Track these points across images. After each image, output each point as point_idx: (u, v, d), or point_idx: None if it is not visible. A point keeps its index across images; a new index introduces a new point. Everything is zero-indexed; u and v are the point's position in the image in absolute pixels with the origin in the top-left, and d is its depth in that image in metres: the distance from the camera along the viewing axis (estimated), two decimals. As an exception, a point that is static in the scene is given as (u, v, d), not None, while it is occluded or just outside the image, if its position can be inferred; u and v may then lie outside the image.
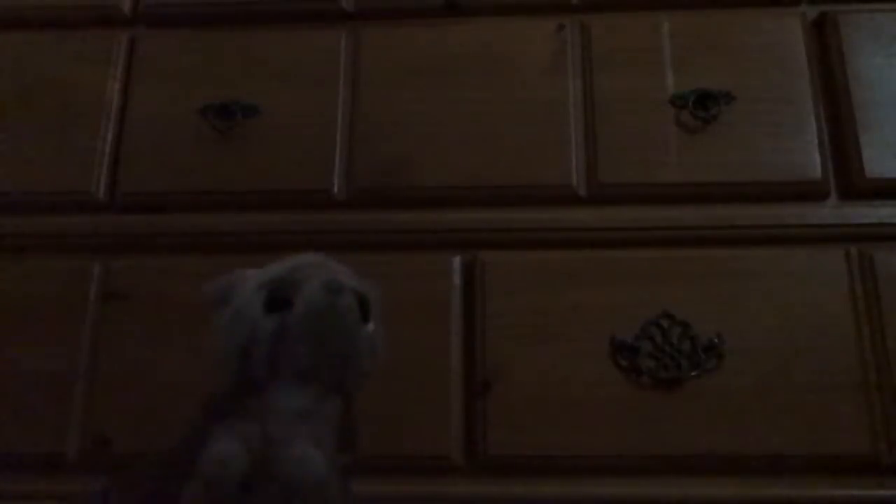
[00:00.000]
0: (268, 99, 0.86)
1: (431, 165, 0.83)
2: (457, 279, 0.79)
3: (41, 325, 0.80)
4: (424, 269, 0.79)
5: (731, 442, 0.72)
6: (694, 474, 0.73)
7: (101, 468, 0.75)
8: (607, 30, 0.86)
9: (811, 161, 0.80)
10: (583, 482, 0.73)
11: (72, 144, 0.86)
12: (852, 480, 0.72)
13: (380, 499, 0.73)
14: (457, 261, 0.80)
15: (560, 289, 0.78)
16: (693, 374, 0.74)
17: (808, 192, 0.80)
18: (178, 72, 0.88)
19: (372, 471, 0.73)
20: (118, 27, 0.91)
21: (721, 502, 0.72)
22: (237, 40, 0.89)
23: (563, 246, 0.80)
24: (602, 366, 0.75)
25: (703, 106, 0.82)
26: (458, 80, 0.85)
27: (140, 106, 0.87)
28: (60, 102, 0.88)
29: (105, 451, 0.76)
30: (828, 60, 0.84)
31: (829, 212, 0.80)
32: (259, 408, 0.51)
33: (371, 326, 0.55)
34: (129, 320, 0.80)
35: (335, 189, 0.83)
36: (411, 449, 0.74)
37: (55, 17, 0.92)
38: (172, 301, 0.79)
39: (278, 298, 0.52)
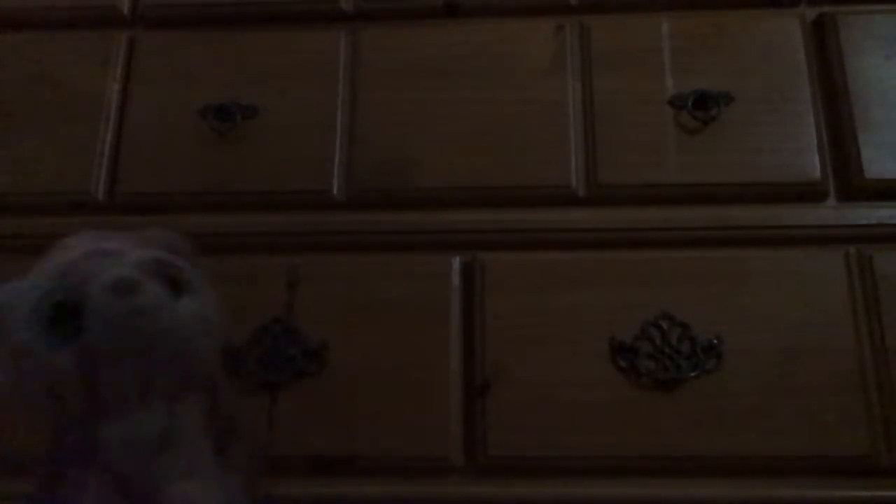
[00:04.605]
0: (267, 99, 0.86)
1: (431, 166, 0.83)
2: (456, 280, 0.79)
3: (41, 326, 0.80)
4: (424, 269, 0.79)
5: (731, 443, 0.72)
6: (693, 475, 0.73)
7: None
8: (607, 31, 0.86)
9: (810, 162, 0.80)
10: (583, 482, 0.73)
11: (71, 145, 0.86)
12: (851, 481, 0.72)
13: (379, 499, 0.73)
14: (456, 261, 0.80)
15: (559, 289, 0.78)
16: (693, 374, 0.74)
17: (807, 193, 0.80)
18: (178, 72, 0.88)
19: (371, 471, 0.74)
20: (117, 27, 0.91)
21: (720, 503, 0.72)
22: (237, 41, 0.89)
23: (563, 247, 0.80)
24: (601, 367, 0.75)
25: (702, 107, 0.82)
26: (457, 81, 0.85)
27: (139, 106, 0.87)
28: (60, 102, 0.88)
29: (104, 451, 0.76)
30: (827, 61, 0.84)
31: (829, 212, 0.80)
32: (103, 452, 0.42)
33: (190, 301, 0.45)
34: (128, 321, 0.79)
35: (335, 189, 0.83)
36: (411, 449, 0.74)
37: (55, 17, 0.92)
38: (172, 301, 0.79)
39: (62, 311, 0.42)
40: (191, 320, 0.45)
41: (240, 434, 0.48)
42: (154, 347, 0.43)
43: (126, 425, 0.43)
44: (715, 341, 0.75)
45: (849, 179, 0.80)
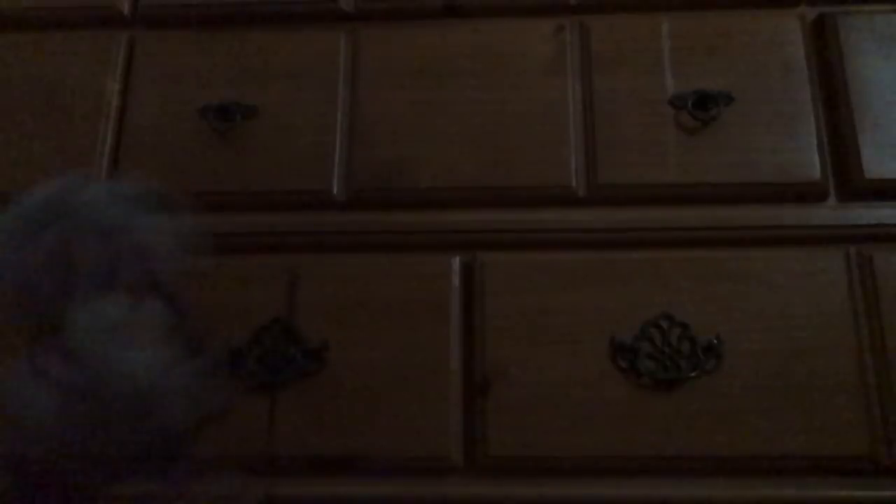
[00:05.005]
0: (267, 99, 0.86)
1: (431, 166, 0.83)
2: (456, 280, 0.79)
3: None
4: (424, 269, 0.79)
5: (731, 443, 0.73)
6: (693, 475, 0.73)
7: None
8: (607, 31, 0.86)
9: (810, 162, 0.80)
10: (583, 482, 0.73)
11: (71, 145, 0.86)
12: (851, 481, 0.72)
13: (379, 499, 0.73)
14: (456, 261, 0.80)
15: (559, 289, 0.78)
16: (692, 374, 0.74)
17: (807, 193, 0.80)
18: (178, 72, 0.88)
19: (371, 471, 0.74)
20: (117, 27, 0.91)
21: (720, 503, 0.72)
22: (237, 40, 0.89)
23: (563, 247, 0.80)
24: (601, 366, 0.75)
25: (702, 107, 0.82)
26: (457, 81, 0.85)
27: (139, 106, 0.87)
28: (60, 103, 0.88)
29: (104, 451, 0.76)
30: (827, 61, 0.84)
31: (829, 212, 0.80)
32: (66, 332, 0.46)
33: (155, 219, 0.51)
34: (128, 321, 0.80)
35: (334, 190, 0.83)
36: (411, 449, 0.74)
37: (55, 17, 0.92)
38: (172, 301, 0.79)
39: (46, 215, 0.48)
40: (151, 229, 0.50)
41: (202, 347, 0.51)
42: (118, 238, 0.49)
43: (90, 308, 0.47)
44: (715, 341, 0.75)
45: (849, 179, 0.80)
